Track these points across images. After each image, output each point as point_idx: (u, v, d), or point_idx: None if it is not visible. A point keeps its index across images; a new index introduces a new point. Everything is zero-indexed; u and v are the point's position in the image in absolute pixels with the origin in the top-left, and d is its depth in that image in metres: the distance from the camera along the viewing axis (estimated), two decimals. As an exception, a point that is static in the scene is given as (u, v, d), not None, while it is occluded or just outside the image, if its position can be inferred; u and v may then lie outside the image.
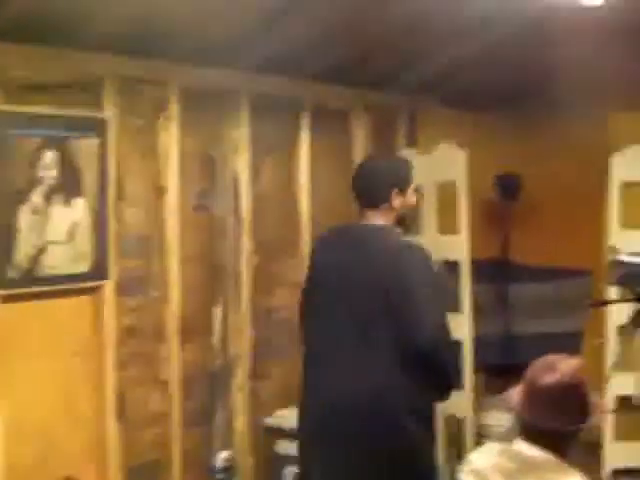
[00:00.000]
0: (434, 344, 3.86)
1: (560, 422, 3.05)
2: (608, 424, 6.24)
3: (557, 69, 6.34)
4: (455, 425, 5.90)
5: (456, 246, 5.72)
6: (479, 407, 6.29)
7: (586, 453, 6.18)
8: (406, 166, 4.36)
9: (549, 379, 3.08)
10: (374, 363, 3.94)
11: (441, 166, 5.78)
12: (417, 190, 4.40)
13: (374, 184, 4.22)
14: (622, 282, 5.04)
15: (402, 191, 4.21)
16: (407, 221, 4.42)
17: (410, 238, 4.41)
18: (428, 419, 4.14)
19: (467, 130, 6.37)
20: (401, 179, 4.24)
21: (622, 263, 4.98)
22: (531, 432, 3.12)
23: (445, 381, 4.10)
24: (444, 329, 3.98)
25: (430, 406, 4.19)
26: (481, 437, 6.00)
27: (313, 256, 4.45)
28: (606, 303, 5.96)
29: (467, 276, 5.67)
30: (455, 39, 5.43)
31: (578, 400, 3.08)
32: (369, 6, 4.77)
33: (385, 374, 3.92)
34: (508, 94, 6.39)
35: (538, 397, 3.10)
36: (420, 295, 3.93)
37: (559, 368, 3.10)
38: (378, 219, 4.18)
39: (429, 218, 5.90)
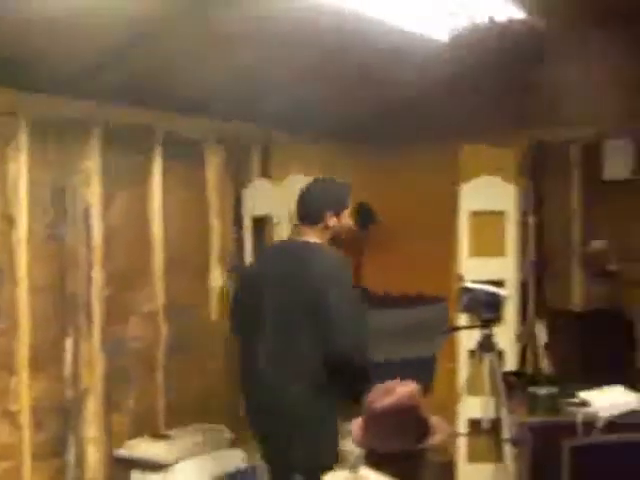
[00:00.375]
0: (351, 355, 4.38)
1: (397, 444, 3.11)
2: (461, 446, 6.40)
3: (410, 102, 6.52)
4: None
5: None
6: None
7: (443, 475, 6.36)
8: (343, 191, 4.81)
9: (384, 403, 3.15)
10: (301, 365, 4.46)
11: (293, 196, 5.83)
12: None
13: (311, 205, 4.69)
14: (468, 308, 5.21)
15: (337, 213, 4.66)
16: (341, 240, 4.81)
17: (339, 256, 4.72)
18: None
19: (319, 161, 6.45)
20: (336, 202, 4.69)
21: (468, 290, 5.15)
22: (373, 458, 3.19)
23: (359, 385, 4.26)
24: (361, 341, 4.45)
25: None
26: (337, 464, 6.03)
27: (251, 267, 4.96)
28: (457, 329, 6.12)
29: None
30: (308, 73, 5.52)
31: (414, 422, 3.14)
32: (223, 40, 4.83)
33: (310, 376, 4.43)
34: (358, 124, 6.52)
35: (375, 422, 3.17)
36: (341, 311, 4.38)
37: (395, 392, 3.17)
38: (313, 236, 4.62)
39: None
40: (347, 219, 4.75)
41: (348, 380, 4.46)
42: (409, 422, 3.14)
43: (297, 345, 4.48)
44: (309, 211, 4.68)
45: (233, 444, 5.85)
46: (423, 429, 3.16)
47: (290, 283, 4.52)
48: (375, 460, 3.15)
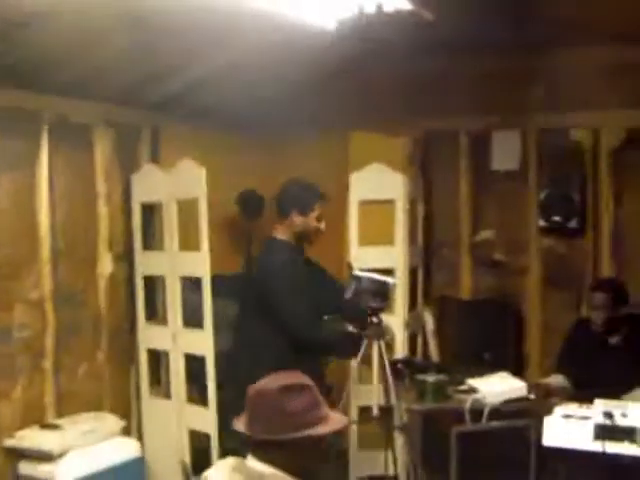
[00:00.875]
0: (302, 332, 4.96)
1: (271, 432, 3.13)
2: (352, 434, 6.44)
3: (300, 89, 6.52)
4: (205, 441, 5.90)
5: (197, 262, 5.73)
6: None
7: (339, 462, 6.40)
8: (312, 193, 5.17)
9: (261, 392, 3.17)
10: (267, 349, 4.96)
11: (182, 183, 5.79)
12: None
13: (280, 201, 5.13)
14: (355, 297, 5.23)
15: (302, 212, 5.07)
16: (307, 239, 5.22)
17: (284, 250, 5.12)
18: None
19: (211, 147, 6.41)
20: (303, 202, 5.09)
21: (356, 278, 5.17)
22: (254, 446, 3.20)
23: (317, 349, 5.13)
24: (306, 319, 5.01)
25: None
26: (229, 452, 6.02)
27: None
28: (345, 318, 6.14)
29: (208, 292, 5.68)
30: (196, 58, 5.49)
31: (287, 411, 3.15)
32: (114, 23, 4.76)
33: (275, 358, 4.80)
34: (252, 112, 6.50)
35: (252, 411, 3.19)
36: (283, 299, 4.95)
37: (271, 382, 3.20)
38: (280, 231, 5.11)
39: (170, 235, 5.89)
40: (313, 220, 5.12)
41: (315, 353, 5.08)
42: (279, 412, 3.14)
43: (262, 331, 5.01)
44: (278, 207, 5.13)
45: (124, 432, 5.80)
46: (297, 418, 3.17)
47: (254, 276, 5.22)
48: (254, 448, 3.18)
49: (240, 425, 3.24)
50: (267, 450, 3.16)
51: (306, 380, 3.24)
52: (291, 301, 4.99)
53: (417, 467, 6.10)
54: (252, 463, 3.17)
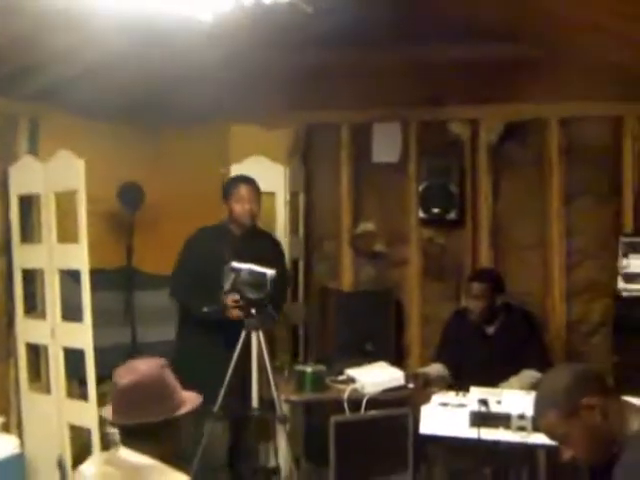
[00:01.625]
0: (170, 290, 6.00)
1: (143, 417, 3.15)
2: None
3: (179, 81, 6.48)
4: (86, 436, 5.83)
5: (76, 255, 5.65)
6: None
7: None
8: (229, 183, 5.97)
9: (127, 379, 3.18)
10: None
11: (60, 174, 5.71)
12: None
13: None
14: (233, 289, 5.24)
15: (226, 199, 5.88)
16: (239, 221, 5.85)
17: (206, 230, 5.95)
18: None
19: (91, 139, 6.32)
20: (225, 191, 5.91)
21: (234, 270, 5.18)
22: (125, 435, 3.21)
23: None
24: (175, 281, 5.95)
25: None
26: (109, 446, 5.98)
27: None
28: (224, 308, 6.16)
29: (87, 285, 5.59)
30: (76, 46, 5.40)
31: (157, 395, 3.19)
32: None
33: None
34: (130, 103, 6.44)
35: (120, 399, 3.20)
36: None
37: (138, 368, 3.22)
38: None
39: (48, 227, 5.78)
40: (232, 205, 5.84)
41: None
42: (151, 397, 3.19)
43: None
44: None
45: (3, 429, 5.70)
46: (166, 402, 3.21)
47: None
48: (125, 437, 3.20)
49: (109, 415, 3.26)
50: (141, 438, 3.17)
51: (163, 363, 3.30)
52: (174, 266, 5.88)
53: (300, 458, 6.15)
54: (125, 454, 3.18)
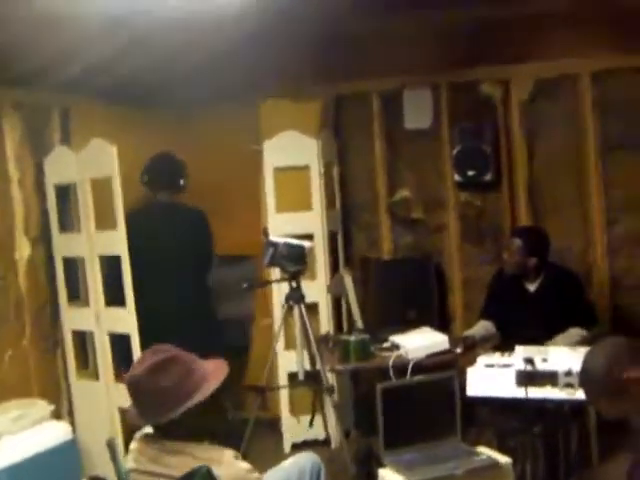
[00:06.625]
0: None
1: (161, 414, 3.18)
2: (283, 400, 6.49)
3: (205, 63, 6.49)
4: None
5: (115, 241, 5.69)
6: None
7: (272, 429, 6.44)
8: None
9: (133, 380, 3.23)
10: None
11: (94, 162, 5.74)
12: None
13: None
14: (272, 262, 5.25)
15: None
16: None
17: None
18: None
19: (121, 125, 6.36)
20: None
21: (272, 244, 5.19)
22: (157, 431, 3.23)
23: None
24: None
25: None
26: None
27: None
28: (264, 284, 6.18)
29: (128, 270, 5.65)
30: (103, 34, 5.41)
31: (163, 389, 3.19)
32: (11, 3, 4.68)
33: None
34: (162, 88, 6.47)
35: (135, 400, 3.23)
36: None
37: (137, 367, 3.24)
38: None
39: (86, 215, 5.83)
40: None
41: None
42: (170, 385, 3.17)
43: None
44: None
45: (55, 416, 5.76)
46: (189, 385, 3.19)
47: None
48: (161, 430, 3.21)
49: (133, 418, 3.27)
50: (170, 430, 3.19)
51: (169, 351, 3.26)
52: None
53: (349, 427, 6.18)
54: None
